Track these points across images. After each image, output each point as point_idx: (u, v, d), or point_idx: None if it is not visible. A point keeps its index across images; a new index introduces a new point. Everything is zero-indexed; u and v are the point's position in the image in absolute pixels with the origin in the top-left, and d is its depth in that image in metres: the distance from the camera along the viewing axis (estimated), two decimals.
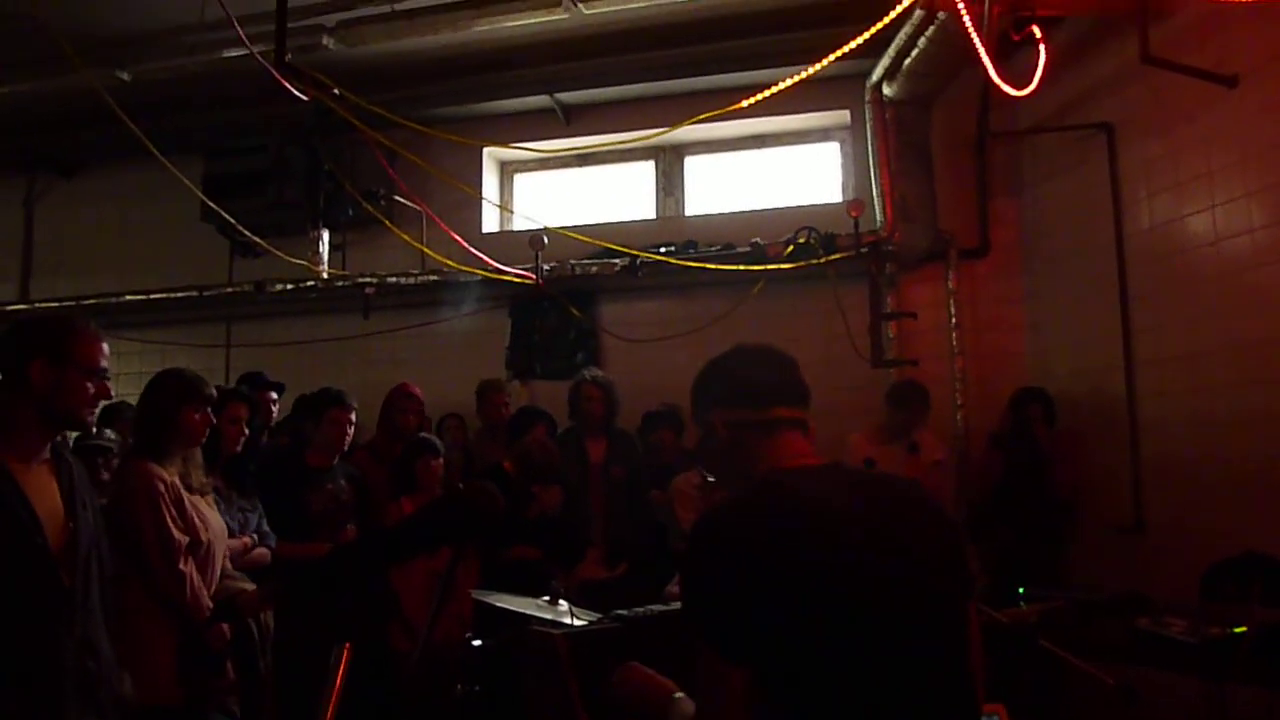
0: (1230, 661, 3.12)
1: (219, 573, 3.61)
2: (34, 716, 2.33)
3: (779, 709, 1.65)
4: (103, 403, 2.69)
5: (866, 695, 1.66)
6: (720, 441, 2.01)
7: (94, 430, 4.50)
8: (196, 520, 3.44)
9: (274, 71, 4.88)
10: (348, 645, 1.30)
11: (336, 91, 5.43)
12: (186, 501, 3.44)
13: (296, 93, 5.03)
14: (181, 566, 3.32)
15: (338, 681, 1.28)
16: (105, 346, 2.61)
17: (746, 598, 1.64)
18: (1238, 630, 3.23)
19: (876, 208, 6.47)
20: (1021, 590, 3.94)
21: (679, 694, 1.97)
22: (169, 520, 3.33)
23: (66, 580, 2.43)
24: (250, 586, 3.80)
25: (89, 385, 2.54)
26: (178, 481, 3.46)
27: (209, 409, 3.58)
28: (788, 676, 1.65)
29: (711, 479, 2.07)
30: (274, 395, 5.80)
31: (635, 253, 6.67)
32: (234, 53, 5.81)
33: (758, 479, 1.90)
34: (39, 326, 2.61)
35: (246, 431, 4.45)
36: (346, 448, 5.14)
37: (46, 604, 2.39)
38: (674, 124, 6.17)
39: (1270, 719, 3.72)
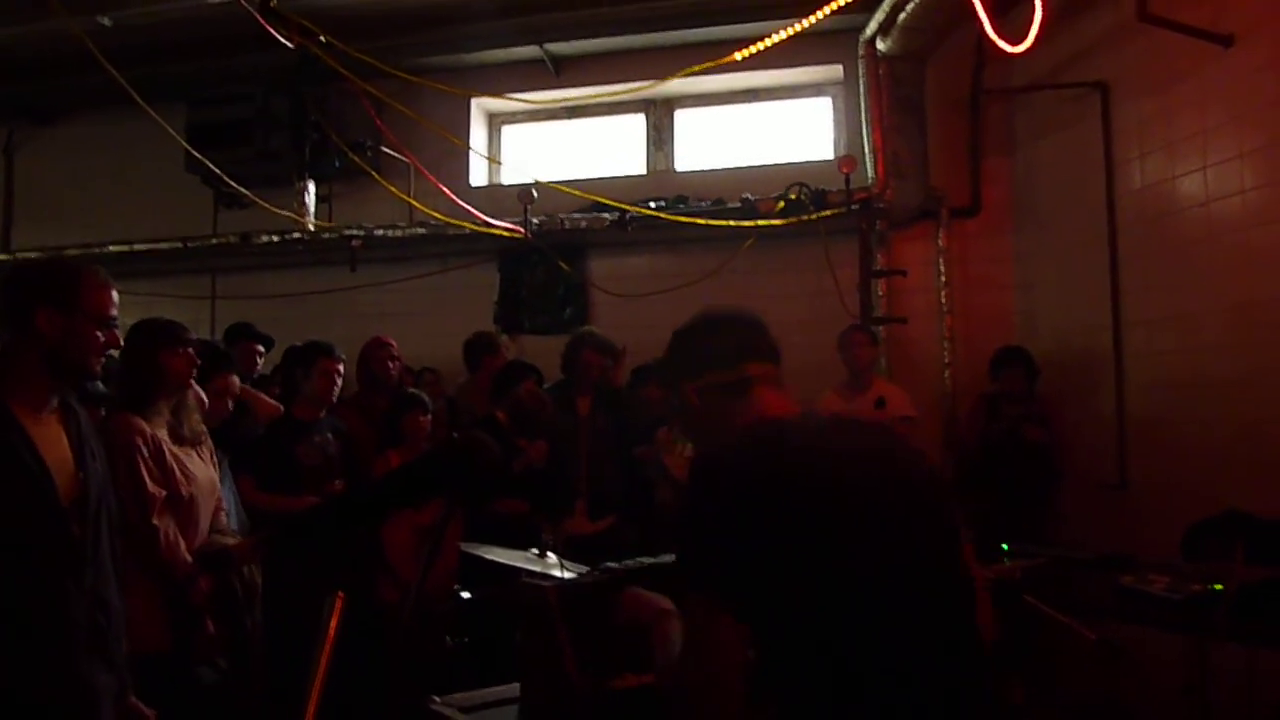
0: (1212, 618, 3.15)
1: (206, 527, 3.57)
2: (45, 670, 2.31)
3: (772, 652, 1.68)
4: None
5: (857, 637, 1.67)
6: (695, 410, 2.01)
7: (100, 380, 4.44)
8: (178, 473, 3.39)
9: (259, 17, 4.82)
10: (340, 595, 1.29)
11: (323, 39, 5.36)
12: (168, 454, 3.38)
13: (282, 39, 4.97)
14: (155, 520, 3.28)
15: (330, 631, 1.27)
16: (115, 294, 2.53)
17: (739, 539, 1.66)
18: (1219, 587, 3.25)
19: (868, 164, 6.44)
20: (1006, 547, 3.97)
21: (669, 608, 2.01)
22: (144, 473, 3.29)
23: (77, 532, 2.39)
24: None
25: (99, 334, 2.46)
26: (161, 434, 3.41)
27: (190, 350, 3.51)
28: (778, 617, 1.67)
29: (692, 448, 2.09)
30: (260, 349, 5.76)
31: (625, 207, 6.63)
32: None
33: (744, 428, 1.91)
34: (46, 272, 2.52)
35: (231, 406, 4.38)
36: (334, 400, 5.12)
37: (57, 556, 2.35)
38: (665, 76, 6.10)
39: (1250, 674, 3.78)
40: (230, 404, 4.36)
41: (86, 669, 2.38)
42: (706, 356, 2.01)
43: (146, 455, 3.31)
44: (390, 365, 5.53)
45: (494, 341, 6.29)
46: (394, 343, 5.61)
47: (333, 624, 1.27)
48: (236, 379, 4.43)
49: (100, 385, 4.58)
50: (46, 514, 2.34)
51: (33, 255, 7.64)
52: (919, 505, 1.83)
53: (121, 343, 2.67)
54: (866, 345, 5.79)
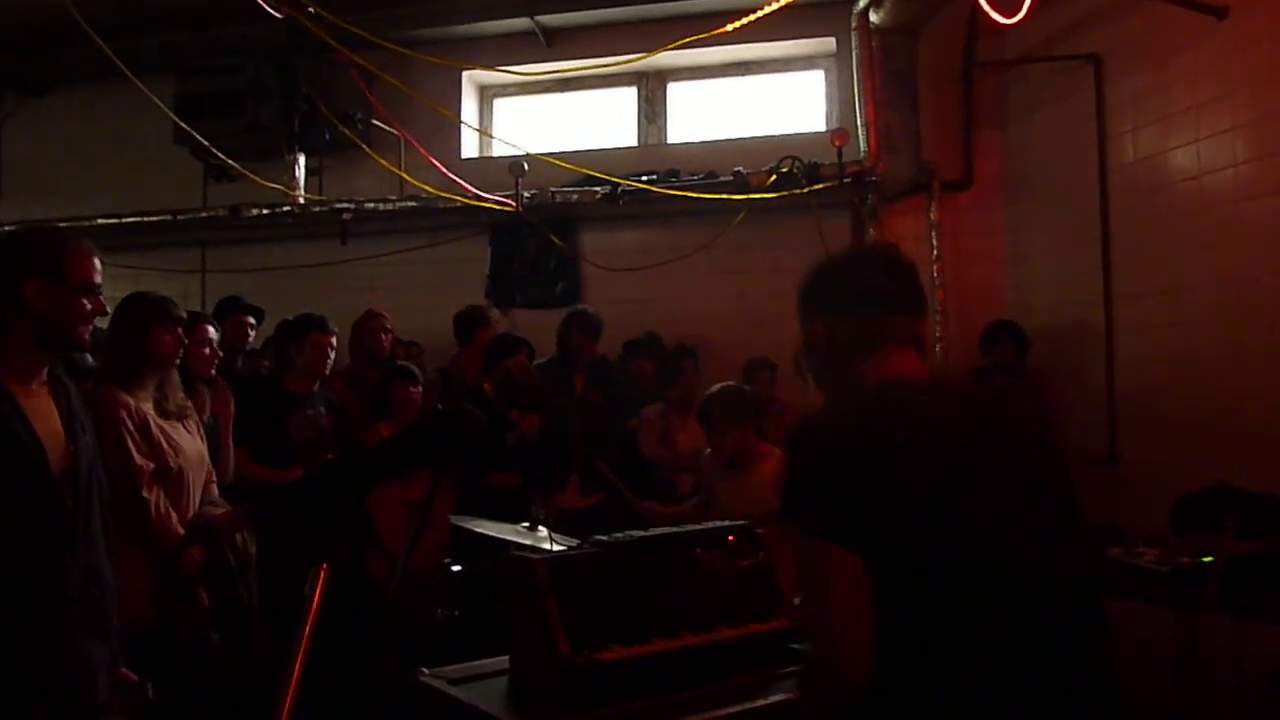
0: (1201, 590, 3.17)
1: (198, 498, 3.58)
2: (40, 643, 2.31)
3: (896, 614, 1.57)
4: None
5: (977, 612, 1.58)
6: (820, 352, 1.91)
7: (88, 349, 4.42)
8: (165, 446, 3.39)
9: None
10: (324, 567, 1.29)
11: (312, 10, 5.30)
12: (154, 427, 3.38)
13: (271, 10, 4.91)
14: (145, 493, 3.28)
15: (314, 604, 1.27)
16: (98, 262, 2.52)
17: (864, 500, 1.58)
18: (1208, 560, 3.27)
19: (860, 138, 6.41)
20: None
21: None
22: (131, 446, 3.28)
23: (70, 504, 2.39)
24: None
25: (85, 303, 2.46)
26: (147, 408, 3.40)
27: (179, 329, 3.51)
28: (904, 580, 1.57)
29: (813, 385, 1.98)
30: (251, 320, 5.75)
31: (617, 180, 6.60)
32: None
33: (864, 391, 1.80)
34: (31, 243, 2.50)
35: (220, 353, 4.39)
36: (327, 372, 5.11)
37: (50, 528, 2.35)
38: (657, 49, 6.06)
39: (1238, 646, 3.81)
40: (218, 353, 4.35)
41: (81, 641, 2.38)
42: (846, 298, 1.88)
43: (132, 429, 3.31)
44: (383, 338, 5.53)
45: (486, 315, 6.28)
46: (387, 315, 5.61)
47: (316, 596, 1.26)
48: (211, 328, 4.40)
49: (89, 358, 4.57)
50: (40, 486, 2.34)
51: (19, 228, 7.62)
52: (1050, 494, 1.73)
53: (108, 310, 2.66)
54: None
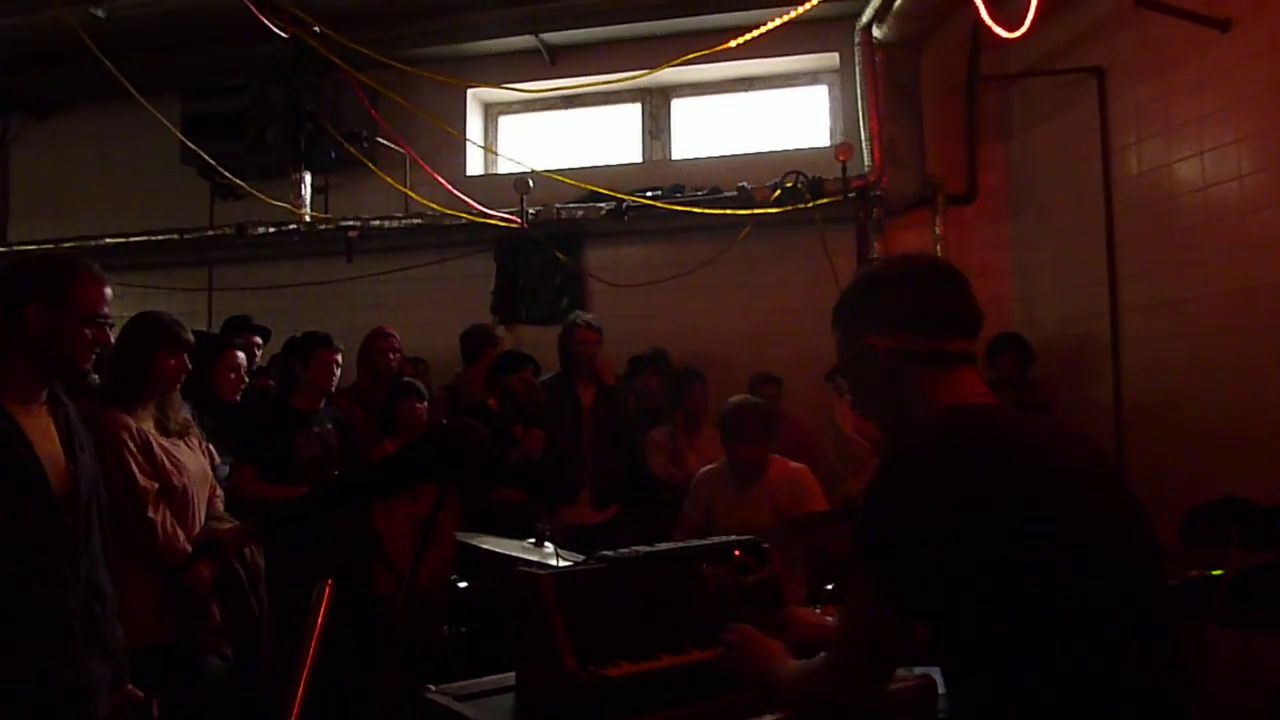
0: (1209, 603, 3.15)
1: (203, 516, 3.58)
2: (42, 661, 2.32)
3: (966, 665, 1.57)
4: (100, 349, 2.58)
5: (1069, 649, 1.50)
6: (879, 369, 1.76)
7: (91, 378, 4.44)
8: (169, 465, 3.39)
9: (253, 7, 4.80)
10: (329, 582, 1.29)
11: (317, 29, 5.33)
12: (156, 447, 3.38)
13: (276, 29, 4.95)
14: (150, 513, 3.28)
15: (319, 619, 1.27)
16: (108, 291, 2.50)
17: (946, 538, 1.51)
18: (1216, 573, 3.26)
19: (864, 152, 6.42)
20: None
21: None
22: (134, 468, 3.29)
23: (70, 522, 2.39)
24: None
25: (86, 332, 2.44)
26: (148, 428, 3.41)
27: (185, 354, 3.51)
28: (981, 626, 1.52)
29: (853, 405, 1.89)
30: (259, 340, 5.77)
31: (621, 196, 6.62)
32: None
33: (949, 415, 1.69)
34: (38, 267, 2.50)
35: (246, 380, 4.41)
36: (333, 390, 5.12)
37: (51, 547, 2.36)
38: (660, 65, 6.09)
39: (1247, 659, 3.78)
40: (244, 379, 4.38)
41: (83, 658, 2.39)
42: (905, 314, 1.75)
43: (135, 450, 3.31)
44: (391, 357, 5.55)
45: (493, 334, 6.31)
46: (396, 334, 5.63)
47: (321, 611, 1.26)
48: (241, 354, 4.43)
49: (94, 377, 4.57)
50: (40, 505, 2.35)
51: (29, 248, 7.66)
52: (1128, 516, 1.66)
53: (112, 341, 2.66)
54: None
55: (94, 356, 2.54)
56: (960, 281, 1.81)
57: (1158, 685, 1.57)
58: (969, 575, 1.51)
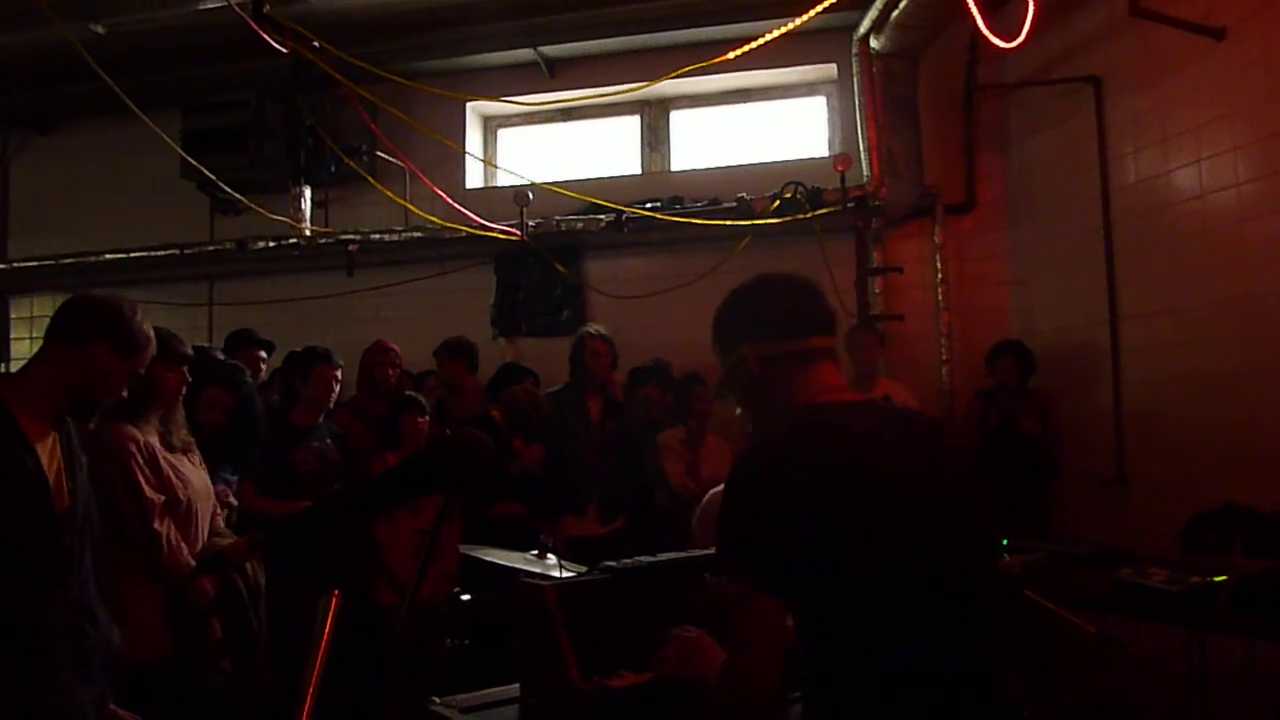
0: (1211, 610, 3.15)
1: (206, 531, 3.58)
2: (26, 682, 2.30)
3: (817, 645, 1.69)
4: None
5: (905, 632, 1.67)
6: (753, 376, 1.96)
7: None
8: (174, 479, 3.40)
9: (252, 23, 4.82)
10: (335, 594, 1.29)
11: (316, 44, 5.35)
12: (162, 461, 3.40)
13: (275, 45, 4.96)
14: (157, 526, 3.29)
15: (326, 631, 1.27)
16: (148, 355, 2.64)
17: (792, 534, 1.65)
18: (1218, 579, 3.26)
19: (863, 163, 6.44)
20: (1005, 542, 3.97)
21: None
22: (141, 481, 3.30)
23: (66, 541, 2.39)
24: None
25: (123, 386, 2.58)
26: (154, 441, 3.42)
27: (184, 368, 3.52)
28: (827, 612, 1.68)
29: (740, 412, 2.04)
30: (263, 354, 5.77)
31: (621, 208, 6.63)
32: (211, 4, 5.71)
33: (797, 414, 1.88)
34: (120, 313, 2.55)
35: (221, 420, 4.35)
36: (332, 405, 5.12)
37: (46, 565, 2.35)
38: (659, 77, 6.11)
39: (1249, 666, 3.78)
40: (221, 418, 4.31)
41: (70, 681, 2.37)
42: (772, 322, 1.97)
43: (142, 462, 3.32)
44: (390, 373, 5.53)
45: (465, 350, 6.19)
46: (396, 348, 5.62)
47: (328, 624, 1.26)
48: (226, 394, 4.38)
49: None
50: (41, 521, 2.35)
51: (30, 265, 7.68)
52: (966, 504, 1.84)
53: (124, 396, 2.72)
54: (875, 345, 5.84)
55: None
56: (813, 287, 2.05)
57: (980, 668, 1.74)
58: (811, 563, 1.66)
